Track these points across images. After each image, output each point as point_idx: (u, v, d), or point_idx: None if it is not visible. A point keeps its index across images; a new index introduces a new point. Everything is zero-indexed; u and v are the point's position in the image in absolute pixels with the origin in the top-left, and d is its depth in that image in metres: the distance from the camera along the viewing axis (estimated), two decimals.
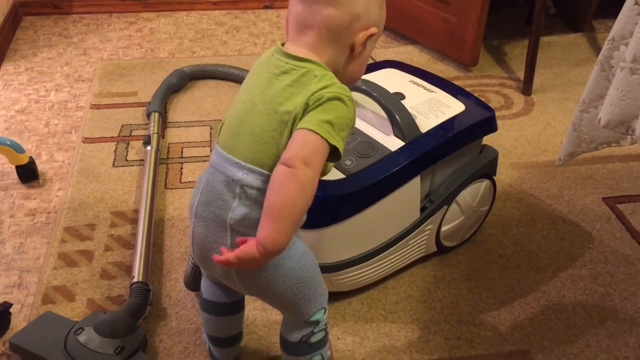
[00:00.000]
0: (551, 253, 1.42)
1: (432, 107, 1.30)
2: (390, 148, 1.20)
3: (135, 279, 1.26)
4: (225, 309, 1.07)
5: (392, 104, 1.23)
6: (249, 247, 0.83)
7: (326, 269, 1.16)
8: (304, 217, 0.93)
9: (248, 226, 0.88)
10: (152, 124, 1.73)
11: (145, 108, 1.86)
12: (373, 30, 0.91)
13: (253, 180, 0.88)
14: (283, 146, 0.86)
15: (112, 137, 1.76)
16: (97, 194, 1.55)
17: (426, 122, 1.26)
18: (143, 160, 1.65)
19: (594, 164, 1.69)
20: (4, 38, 2.20)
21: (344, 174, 1.16)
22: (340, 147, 0.86)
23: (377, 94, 1.24)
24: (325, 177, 0.92)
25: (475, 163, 1.33)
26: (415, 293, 1.31)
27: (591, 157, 1.68)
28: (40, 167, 1.63)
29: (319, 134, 0.83)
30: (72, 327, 1.15)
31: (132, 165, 1.65)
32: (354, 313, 1.26)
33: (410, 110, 1.25)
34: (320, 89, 0.86)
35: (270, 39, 2.34)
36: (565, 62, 2.19)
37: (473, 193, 1.34)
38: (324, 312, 0.99)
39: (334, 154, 0.86)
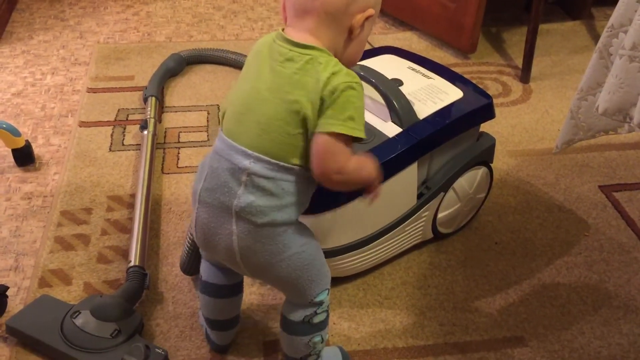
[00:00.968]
0: (547, 240, 1.42)
1: (430, 94, 1.29)
2: (387, 134, 1.20)
3: (131, 263, 1.26)
4: (225, 292, 1.08)
5: (390, 90, 1.23)
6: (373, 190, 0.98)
7: (323, 254, 1.16)
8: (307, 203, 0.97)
9: (254, 213, 0.90)
10: (149, 109, 1.72)
11: (142, 92, 1.85)
12: (370, 11, 0.92)
13: (260, 168, 0.89)
14: (294, 137, 0.89)
15: (109, 121, 1.76)
16: (94, 178, 1.55)
17: (424, 109, 1.25)
18: (140, 144, 1.65)
19: (591, 152, 1.69)
20: (0, 20, 2.19)
21: None
22: (364, 134, 0.91)
23: (375, 80, 1.23)
24: None
25: (472, 150, 1.33)
26: (411, 279, 1.32)
27: (588, 145, 1.69)
28: (36, 150, 1.63)
29: (344, 133, 0.89)
30: (69, 311, 1.16)
31: (128, 150, 1.65)
32: (350, 298, 1.27)
33: (408, 97, 1.25)
34: (329, 77, 0.88)
35: (268, 23, 2.33)
36: (563, 49, 2.18)
37: (470, 180, 1.34)
38: (327, 293, 1.01)
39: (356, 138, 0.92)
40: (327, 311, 1.03)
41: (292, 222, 0.94)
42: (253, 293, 1.27)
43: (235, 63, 1.98)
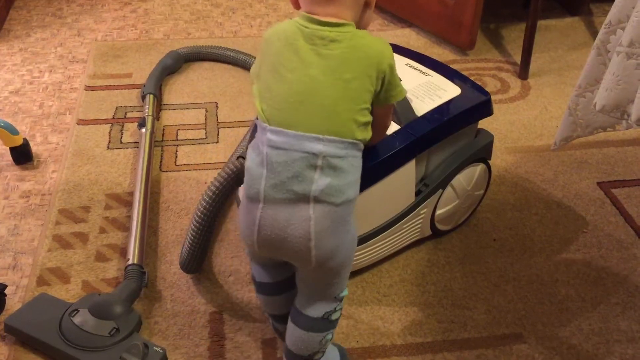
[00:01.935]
0: (545, 237, 1.42)
1: (428, 91, 1.29)
2: None
3: (130, 262, 1.26)
4: (280, 288, 1.09)
5: None
6: None
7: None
8: None
9: (332, 194, 0.93)
10: (147, 106, 1.72)
11: (140, 90, 1.84)
12: None
13: (334, 150, 0.93)
14: (359, 112, 0.95)
15: (107, 119, 1.76)
16: (92, 176, 1.55)
17: (422, 106, 1.25)
18: (138, 142, 1.64)
19: (589, 149, 1.69)
20: None
21: None
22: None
23: None
24: None
25: (470, 147, 1.33)
26: (409, 276, 1.32)
27: (586, 142, 1.69)
28: (34, 148, 1.63)
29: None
30: (67, 309, 1.16)
31: (126, 148, 1.65)
32: (348, 296, 1.27)
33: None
34: (379, 51, 0.97)
35: (266, 20, 2.33)
36: (562, 46, 2.18)
37: (468, 177, 1.34)
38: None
39: None
40: (341, 309, 1.05)
41: (355, 199, 0.98)
42: (252, 291, 1.27)
43: (233, 60, 1.98)
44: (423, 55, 1.44)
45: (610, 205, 1.51)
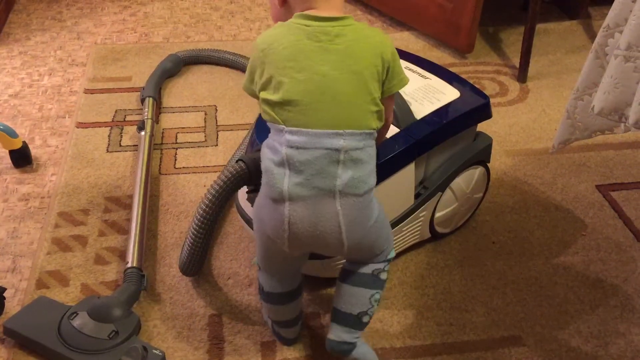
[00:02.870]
0: (544, 240, 1.42)
1: (427, 94, 1.30)
2: None
3: (129, 264, 1.26)
4: (288, 298, 1.11)
5: None
6: None
7: (322, 254, 1.16)
8: None
9: (356, 185, 0.95)
10: (146, 109, 1.72)
11: (139, 93, 1.85)
12: None
13: (354, 142, 0.95)
14: (373, 102, 0.97)
15: (106, 122, 1.76)
16: (91, 179, 1.55)
17: (421, 109, 1.26)
18: (137, 145, 1.65)
19: (588, 152, 1.69)
20: None
21: None
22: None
23: None
24: None
25: (469, 150, 1.33)
26: (408, 279, 1.32)
27: (585, 145, 1.69)
28: (33, 151, 1.63)
29: None
30: (66, 312, 1.16)
31: (126, 151, 1.65)
32: None
33: (405, 97, 1.25)
34: (380, 41, 0.99)
35: (266, 24, 2.33)
36: (560, 49, 2.18)
37: (467, 180, 1.35)
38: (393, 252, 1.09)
39: None
40: (388, 271, 1.08)
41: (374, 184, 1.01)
42: (251, 294, 1.27)
43: (232, 64, 1.98)
44: (422, 58, 1.44)
45: (608, 208, 1.51)
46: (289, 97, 0.95)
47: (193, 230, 1.19)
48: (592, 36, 2.26)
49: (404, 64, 1.39)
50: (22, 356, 1.15)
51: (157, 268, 1.32)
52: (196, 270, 1.27)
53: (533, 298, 1.29)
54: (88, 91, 1.88)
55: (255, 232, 1.06)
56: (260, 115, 1.03)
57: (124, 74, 1.97)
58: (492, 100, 1.38)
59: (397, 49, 1.46)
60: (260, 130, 1.06)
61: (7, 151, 1.57)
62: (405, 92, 1.28)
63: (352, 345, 1.06)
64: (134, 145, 1.66)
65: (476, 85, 1.40)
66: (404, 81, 1.04)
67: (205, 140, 1.70)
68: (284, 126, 0.95)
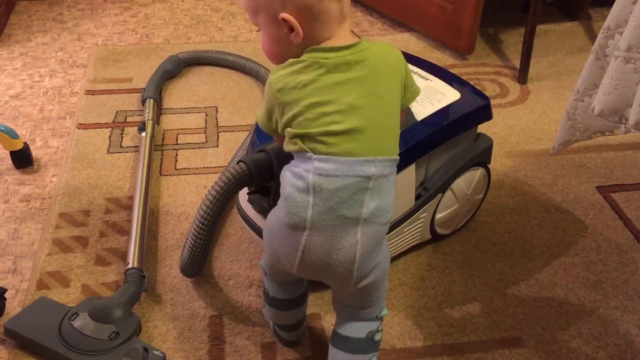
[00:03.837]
0: (544, 241, 1.42)
1: (428, 95, 1.30)
2: None
3: (129, 265, 1.26)
4: (293, 303, 1.11)
5: None
6: None
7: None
8: None
9: (380, 215, 0.93)
10: (147, 111, 1.73)
11: (140, 94, 1.85)
12: None
13: (384, 169, 0.93)
14: (397, 123, 0.98)
15: (107, 123, 1.76)
16: (92, 180, 1.55)
17: (421, 110, 1.26)
18: (138, 146, 1.65)
19: (589, 153, 1.69)
20: None
21: None
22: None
23: None
24: None
25: (470, 151, 1.33)
26: (409, 280, 1.32)
27: (585, 146, 1.69)
28: (34, 152, 1.63)
29: None
30: (67, 313, 1.16)
31: (126, 152, 1.65)
32: None
33: None
34: (395, 58, 0.97)
35: None
36: (561, 50, 2.18)
37: (467, 181, 1.35)
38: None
39: None
40: (381, 330, 1.05)
41: None
42: (251, 295, 1.27)
43: (233, 65, 1.99)
44: (422, 59, 1.44)
45: (609, 209, 1.51)
46: (318, 131, 0.91)
47: (194, 231, 1.19)
48: (592, 37, 2.26)
49: None
50: (23, 357, 1.15)
51: (158, 269, 1.32)
52: (197, 271, 1.27)
53: (533, 299, 1.29)
54: (89, 92, 1.89)
55: (265, 247, 1.02)
56: None
57: (124, 75, 1.97)
58: (492, 102, 1.39)
59: None
60: (261, 131, 1.06)
61: (8, 152, 1.57)
62: None
63: None
64: (134, 146, 1.67)
65: (477, 87, 1.40)
66: (417, 92, 1.01)
67: (206, 142, 1.70)
68: (312, 154, 0.91)
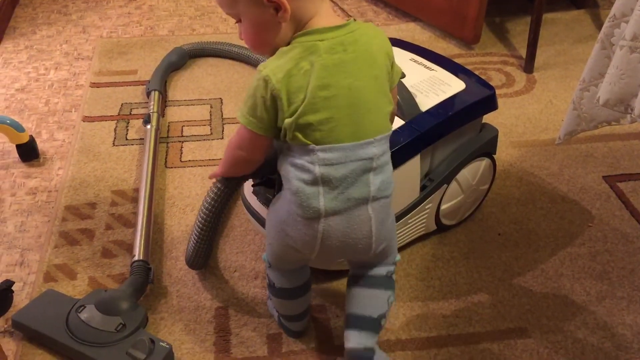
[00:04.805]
0: (550, 231, 1.42)
1: (433, 86, 1.29)
2: None
3: (136, 258, 1.27)
4: (298, 292, 1.12)
5: None
6: None
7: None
8: None
9: (385, 188, 0.98)
10: (152, 103, 1.73)
11: (145, 86, 1.85)
12: None
13: (383, 147, 0.97)
14: (389, 99, 0.99)
15: (112, 115, 1.76)
16: (98, 173, 1.56)
17: (426, 101, 1.25)
18: (143, 139, 1.65)
19: (595, 143, 1.68)
20: (3, 16, 2.19)
21: None
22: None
23: None
24: None
25: (475, 142, 1.33)
26: (414, 271, 1.32)
27: (592, 136, 1.68)
28: (40, 145, 1.64)
29: None
30: (74, 305, 1.16)
31: (132, 144, 1.65)
32: None
33: (410, 89, 1.25)
34: (382, 40, 0.97)
35: None
36: (567, 39, 2.17)
37: (473, 172, 1.34)
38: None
39: None
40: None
41: None
42: (257, 286, 1.27)
43: (238, 56, 1.98)
44: (427, 49, 1.43)
45: (615, 199, 1.51)
46: (319, 118, 0.91)
47: (199, 223, 1.20)
48: (599, 26, 2.24)
49: (409, 55, 1.39)
50: (31, 349, 1.16)
51: (164, 261, 1.33)
52: (202, 264, 1.27)
53: (539, 290, 1.28)
54: (94, 85, 1.89)
55: (274, 240, 1.03)
56: None
57: (129, 68, 1.97)
58: (498, 91, 1.38)
59: (402, 40, 1.47)
60: None
61: (14, 145, 1.58)
62: (411, 84, 1.27)
63: (373, 352, 1.05)
64: (140, 139, 1.67)
65: (482, 76, 1.39)
66: (399, 72, 1.03)
67: (211, 134, 1.70)
68: (314, 146, 0.92)
